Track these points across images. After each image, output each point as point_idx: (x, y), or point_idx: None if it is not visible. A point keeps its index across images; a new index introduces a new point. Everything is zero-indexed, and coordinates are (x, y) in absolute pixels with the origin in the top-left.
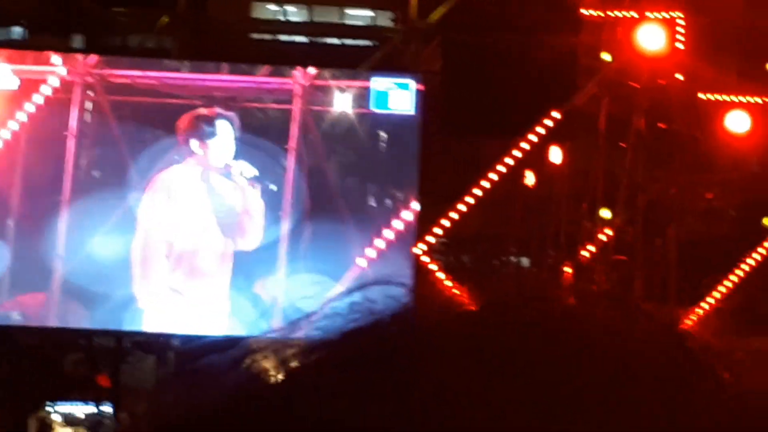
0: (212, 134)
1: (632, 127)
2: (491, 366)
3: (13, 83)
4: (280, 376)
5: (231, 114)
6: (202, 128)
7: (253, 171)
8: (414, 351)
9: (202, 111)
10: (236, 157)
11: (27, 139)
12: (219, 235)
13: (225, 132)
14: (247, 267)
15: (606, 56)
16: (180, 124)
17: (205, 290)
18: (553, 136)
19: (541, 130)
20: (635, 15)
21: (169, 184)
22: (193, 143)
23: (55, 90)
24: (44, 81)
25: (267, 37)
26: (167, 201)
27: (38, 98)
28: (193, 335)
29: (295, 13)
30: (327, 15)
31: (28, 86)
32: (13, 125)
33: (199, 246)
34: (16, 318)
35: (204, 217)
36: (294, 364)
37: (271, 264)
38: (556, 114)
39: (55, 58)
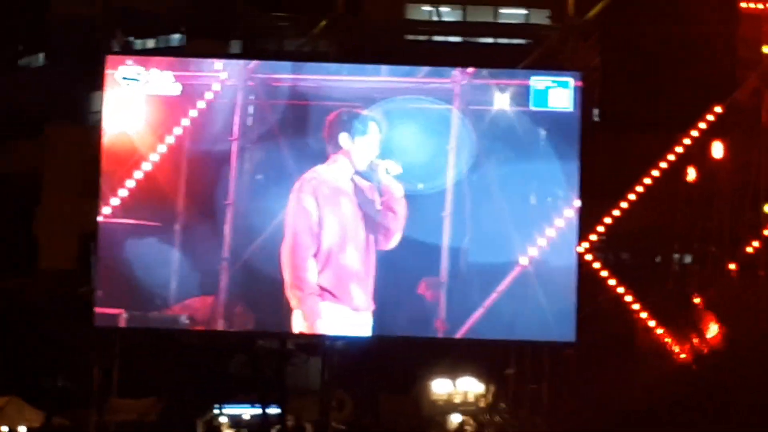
0: (362, 131)
1: None
2: None
3: (176, 89)
4: None
5: (380, 117)
6: (353, 124)
7: (398, 169)
8: None
9: (354, 109)
10: (388, 156)
11: (191, 144)
12: (363, 233)
13: (373, 132)
14: (409, 267)
15: (767, 49)
16: (330, 118)
17: (353, 289)
18: (714, 131)
19: (702, 125)
20: None
21: (315, 184)
22: (343, 137)
23: (217, 94)
24: (207, 86)
25: (421, 37)
26: (313, 201)
27: (201, 103)
28: (352, 336)
29: (449, 14)
30: (481, 14)
31: (191, 92)
32: (177, 130)
33: (346, 244)
34: (184, 321)
35: (349, 215)
36: None
37: (434, 264)
38: (718, 109)
39: (217, 64)
